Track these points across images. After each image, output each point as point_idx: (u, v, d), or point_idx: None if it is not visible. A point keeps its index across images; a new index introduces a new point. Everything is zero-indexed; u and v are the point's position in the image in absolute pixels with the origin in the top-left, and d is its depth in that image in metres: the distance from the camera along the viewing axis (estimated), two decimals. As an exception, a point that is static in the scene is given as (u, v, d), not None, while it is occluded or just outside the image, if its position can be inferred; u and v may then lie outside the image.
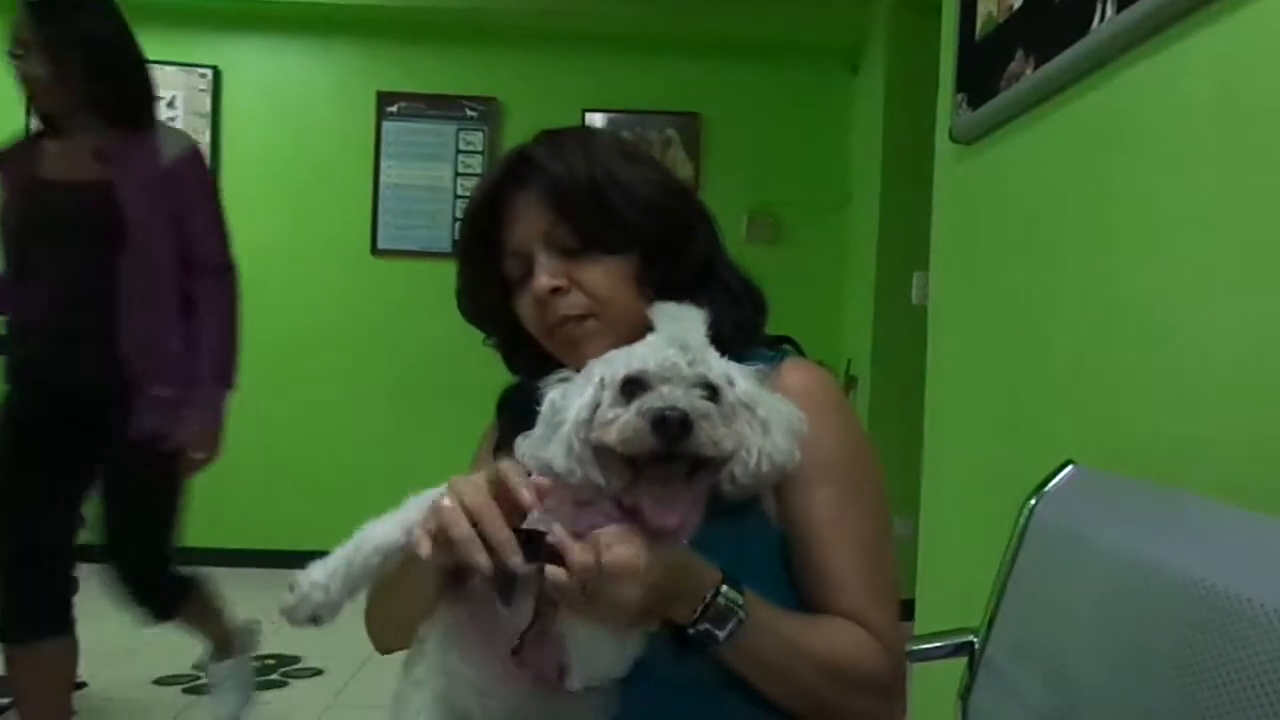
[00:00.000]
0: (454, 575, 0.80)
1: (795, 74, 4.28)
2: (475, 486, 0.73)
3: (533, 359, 0.99)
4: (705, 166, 4.24)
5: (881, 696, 0.85)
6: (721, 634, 0.76)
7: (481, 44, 4.25)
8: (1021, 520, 1.18)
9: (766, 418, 0.76)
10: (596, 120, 4.25)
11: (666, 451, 0.69)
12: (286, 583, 0.78)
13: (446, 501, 0.72)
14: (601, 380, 0.75)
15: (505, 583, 0.74)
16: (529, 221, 0.92)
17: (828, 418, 0.88)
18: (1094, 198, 1.44)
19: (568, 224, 0.91)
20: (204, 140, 4.17)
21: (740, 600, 0.77)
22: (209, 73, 4.19)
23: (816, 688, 0.81)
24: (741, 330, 0.92)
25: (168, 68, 4.14)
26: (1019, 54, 1.61)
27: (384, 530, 0.78)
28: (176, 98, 4.18)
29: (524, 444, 0.78)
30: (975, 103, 1.85)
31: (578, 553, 0.69)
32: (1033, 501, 1.18)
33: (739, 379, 0.76)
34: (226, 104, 4.23)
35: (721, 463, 0.73)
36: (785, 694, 0.82)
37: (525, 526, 0.72)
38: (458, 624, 0.80)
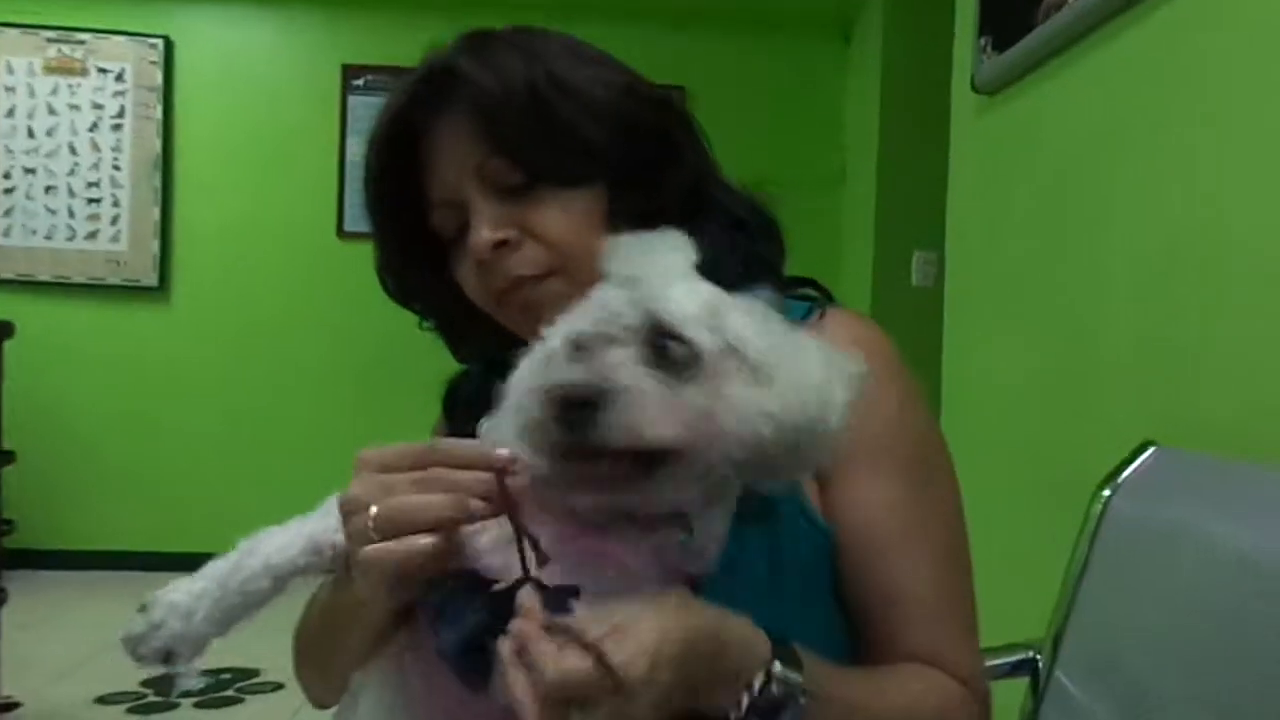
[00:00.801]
0: (401, 613, 0.60)
1: (784, 44, 4.10)
2: (399, 452, 0.55)
3: (484, 339, 0.78)
4: (690, 143, 4.05)
5: None
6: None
7: (451, 13, 4.00)
8: (1095, 514, 0.97)
9: (763, 362, 0.53)
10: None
11: (574, 443, 0.50)
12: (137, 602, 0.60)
13: (361, 487, 0.54)
14: (549, 346, 0.57)
15: (467, 669, 0.52)
16: (456, 156, 0.71)
17: (886, 387, 0.68)
18: (1153, 144, 1.24)
19: (506, 153, 0.70)
20: (155, 116, 3.93)
21: (799, 680, 0.55)
22: (159, 43, 3.95)
23: None
24: (752, 267, 0.70)
25: (115, 37, 3.94)
26: (1063, -24, 1.41)
27: (281, 542, 0.60)
28: (125, 70, 3.94)
29: (483, 428, 0.60)
30: (1003, 45, 1.66)
31: (552, 660, 0.47)
32: (1107, 491, 0.98)
33: (730, 314, 0.55)
34: (179, 77, 4.00)
35: (683, 450, 0.51)
36: None
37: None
38: (400, 676, 0.61)
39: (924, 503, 0.68)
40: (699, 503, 0.55)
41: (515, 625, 0.48)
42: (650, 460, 0.51)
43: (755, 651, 0.54)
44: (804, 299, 0.76)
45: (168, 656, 0.59)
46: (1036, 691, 1.00)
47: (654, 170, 0.72)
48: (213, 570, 0.60)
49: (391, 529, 0.52)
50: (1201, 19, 1.14)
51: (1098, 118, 1.39)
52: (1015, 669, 1.02)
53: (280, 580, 0.59)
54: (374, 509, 0.53)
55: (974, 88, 1.79)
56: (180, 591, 0.59)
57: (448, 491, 0.53)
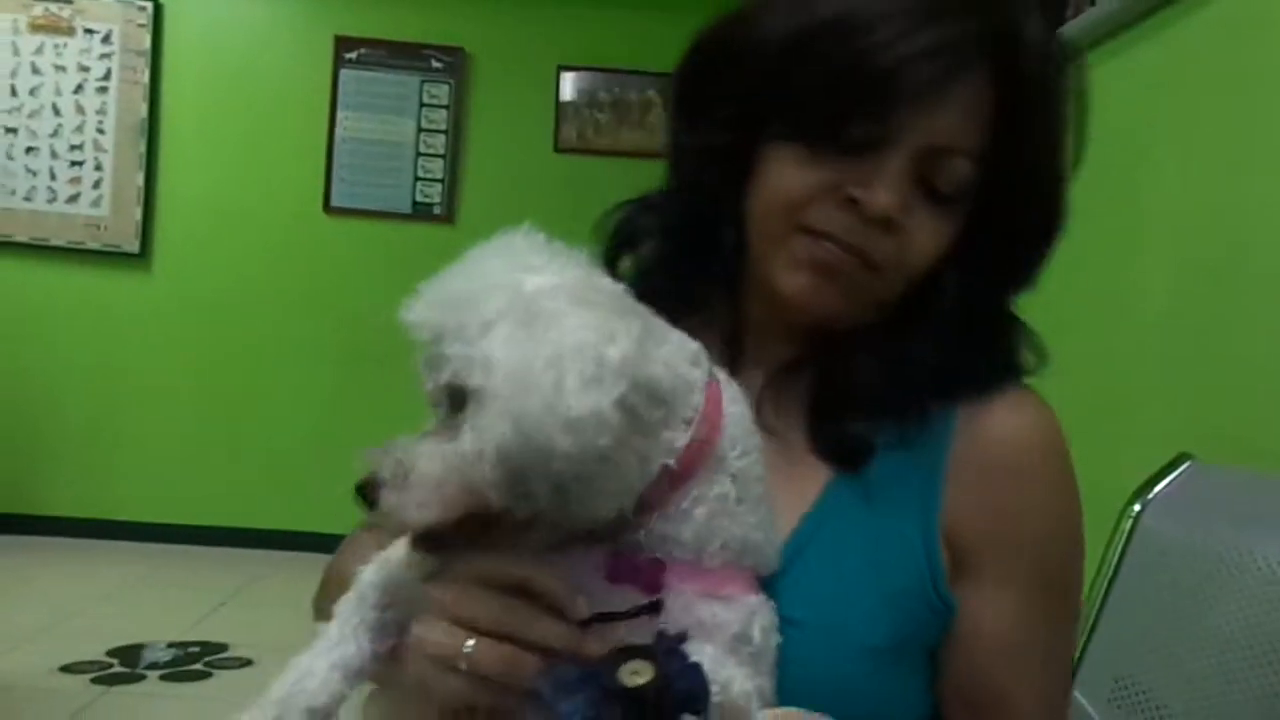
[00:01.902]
0: None
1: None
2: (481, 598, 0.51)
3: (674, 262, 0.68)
4: (688, 133, 4.01)
5: None
6: None
7: (448, -11, 3.97)
8: (1124, 530, 0.95)
9: (488, 385, 0.49)
10: (570, 79, 3.98)
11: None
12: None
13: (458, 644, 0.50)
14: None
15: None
16: (948, 119, 0.58)
17: (1046, 488, 0.64)
18: (1185, 155, 1.22)
19: (979, 146, 0.59)
20: (142, 80, 3.84)
21: None
22: (149, 6, 3.85)
23: None
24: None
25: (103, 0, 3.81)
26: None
27: (314, 686, 0.55)
28: (112, 33, 3.84)
29: None
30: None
31: None
32: (1137, 505, 0.96)
33: (499, 327, 0.50)
34: (168, 42, 3.90)
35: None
36: None
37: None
38: None
39: (1053, 621, 0.64)
40: (608, 507, 0.50)
41: None
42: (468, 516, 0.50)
43: None
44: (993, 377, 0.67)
45: None
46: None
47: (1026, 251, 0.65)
48: None
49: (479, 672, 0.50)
50: (1233, 26, 1.13)
51: (1128, 126, 1.37)
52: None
53: (325, 716, 0.55)
54: (466, 647, 0.50)
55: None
56: None
57: (529, 647, 0.50)
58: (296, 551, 3.83)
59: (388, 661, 0.55)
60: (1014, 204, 0.62)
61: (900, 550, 0.62)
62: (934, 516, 0.62)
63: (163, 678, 2.63)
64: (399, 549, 0.57)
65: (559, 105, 3.99)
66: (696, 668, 0.46)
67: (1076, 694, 0.96)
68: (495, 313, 0.49)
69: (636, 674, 0.45)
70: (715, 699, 0.47)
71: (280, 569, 3.72)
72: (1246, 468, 0.98)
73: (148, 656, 2.76)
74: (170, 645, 2.83)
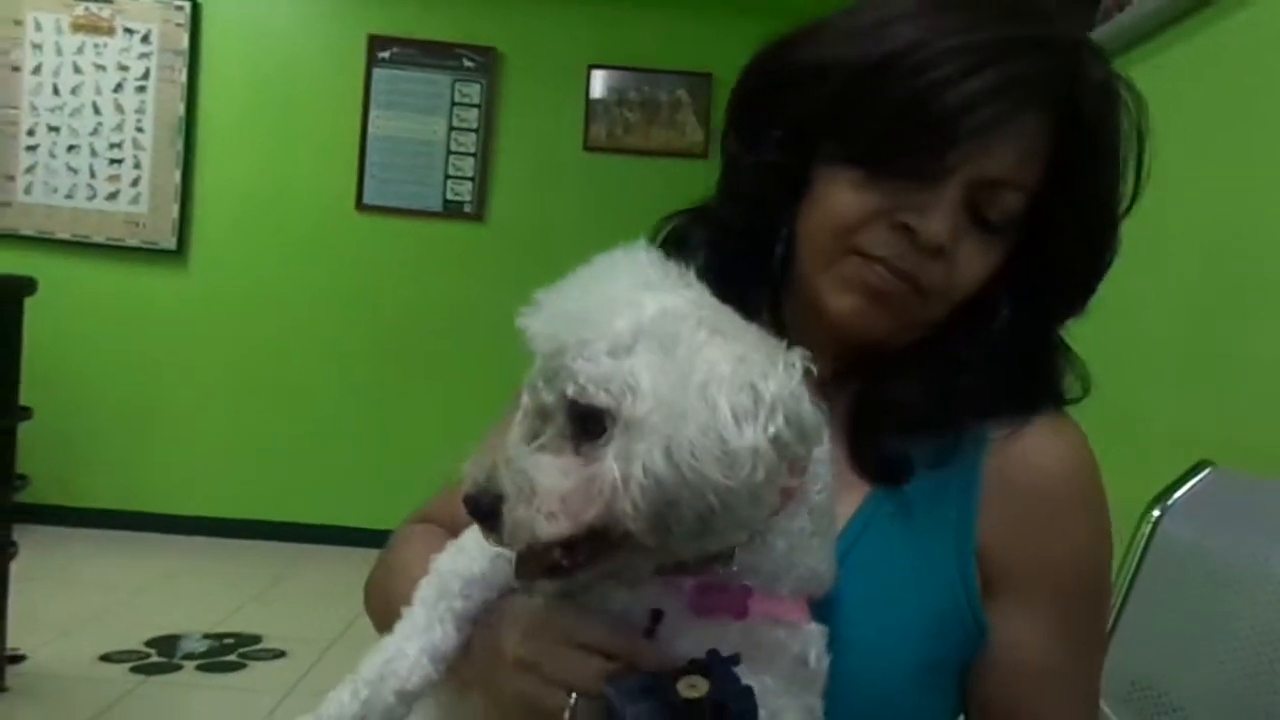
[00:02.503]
0: None
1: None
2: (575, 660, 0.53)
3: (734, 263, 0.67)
4: (717, 132, 4.01)
5: None
6: None
7: (480, -9, 4.00)
8: (1143, 534, 0.96)
9: (646, 412, 0.48)
10: (600, 78, 4.00)
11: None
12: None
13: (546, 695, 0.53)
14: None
15: None
16: (1007, 152, 0.60)
17: (1078, 516, 0.65)
18: (1202, 162, 1.21)
19: (1034, 183, 0.61)
20: (179, 79, 3.91)
21: None
22: (186, 6, 3.91)
23: None
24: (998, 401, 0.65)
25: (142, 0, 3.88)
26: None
27: (404, 668, 0.56)
28: (151, 32, 3.91)
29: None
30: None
31: None
32: (1156, 511, 0.96)
33: (640, 349, 0.50)
34: (205, 42, 3.97)
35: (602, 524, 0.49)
36: None
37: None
38: None
39: (1081, 645, 0.66)
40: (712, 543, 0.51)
41: None
42: (591, 536, 0.49)
43: None
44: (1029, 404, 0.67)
45: None
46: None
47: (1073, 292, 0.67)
48: (339, 713, 0.57)
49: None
50: (1250, 37, 1.12)
51: (1170, 118, 1.36)
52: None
53: (410, 701, 0.57)
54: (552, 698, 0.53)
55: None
56: None
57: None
58: (326, 545, 3.90)
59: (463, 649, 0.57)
60: (1066, 237, 0.63)
61: (937, 569, 0.63)
62: (969, 537, 0.63)
63: (199, 668, 2.69)
64: (471, 537, 0.58)
65: (589, 104, 4.01)
66: (749, 690, 0.48)
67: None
68: (627, 334, 0.49)
69: (694, 688, 0.47)
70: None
71: (311, 562, 3.78)
72: (1266, 476, 0.97)
73: (184, 647, 2.83)
74: (205, 636, 2.90)
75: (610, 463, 0.48)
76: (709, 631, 0.52)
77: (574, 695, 0.52)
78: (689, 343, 0.49)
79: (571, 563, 0.51)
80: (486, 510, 0.49)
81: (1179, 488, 0.96)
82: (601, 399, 0.48)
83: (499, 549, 0.54)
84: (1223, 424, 1.17)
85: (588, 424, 0.49)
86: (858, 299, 0.61)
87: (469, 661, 0.57)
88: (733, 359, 0.49)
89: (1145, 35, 1.35)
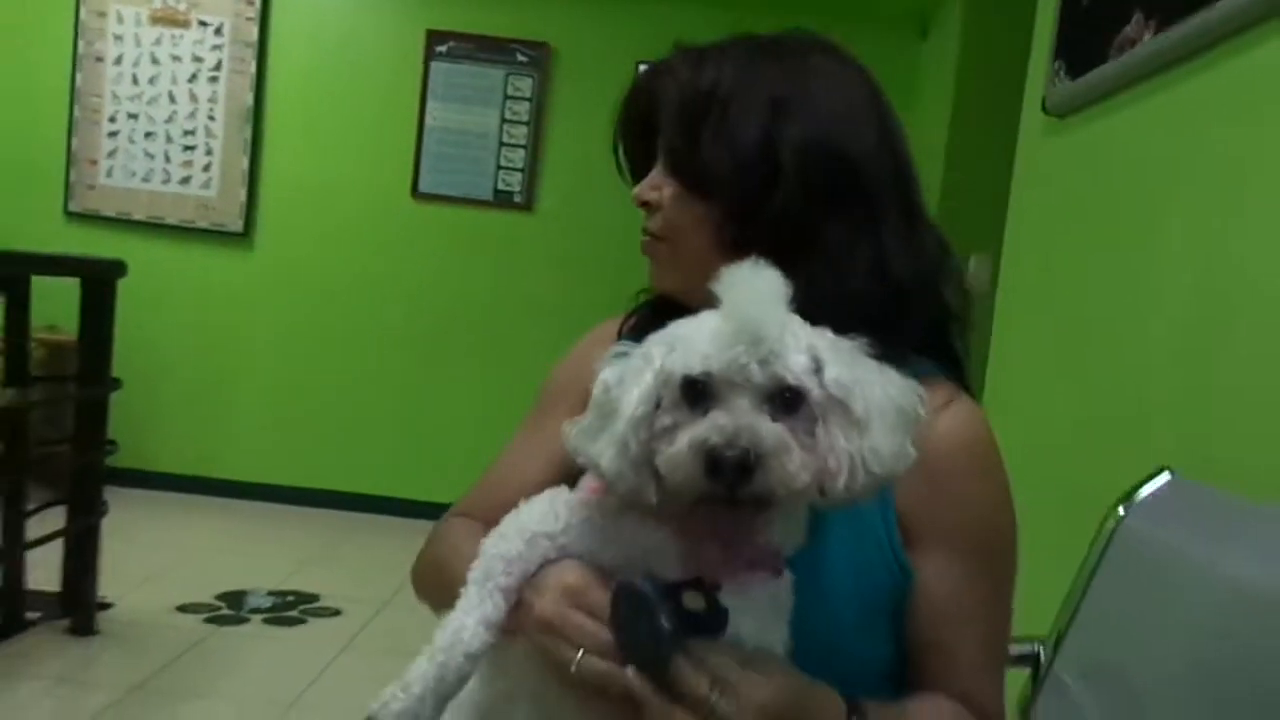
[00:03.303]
0: None
1: (860, 35, 4.03)
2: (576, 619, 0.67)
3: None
4: (759, 127, 4.11)
5: None
6: None
7: (532, -13, 4.12)
8: (1107, 529, 1.10)
9: (865, 411, 0.62)
10: (649, 73, 4.13)
11: (726, 496, 0.59)
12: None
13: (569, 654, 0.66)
14: (660, 370, 0.64)
15: (650, 665, 0.64)
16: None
17: (978, 478, 0.79)
18: (1216, 183, 1.33)
19: (673, 141, 0.83)
20: (249, 70, 4.11)
21: None
22: (257, 0, 4.10)
23: None
24: (843, 326, 0.72)
25: (216, -7, 4.08)
26: (1136, 17, 1.49)
27: (469, 635, 0.69)
28: (224, 25, 4.11)
29: (572, 432, 0.68)
30: (1076, 71, 1.73)
31: (693, 684, 0.61)
32: (1121, 510, 1.10)
33: (830, 362, 0.63)
34: (274, 34, 4.15)
35: (804, 490, 0.61)
36: None
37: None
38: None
39: (982, 582, 0.79)
40: (799, 524, 0.68)
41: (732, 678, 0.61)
42: (769, 502, 0.61)
43: (836, 710, 0.68)
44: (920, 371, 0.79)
45: None
46: (1036, 681, 1.14)
47: (758, 206, 0.79)
48: (422, 675, 0.67)
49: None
50: (1264, 74, 1.23)
51: (1158, 154, 1.47)
52: (1018, 660, 1.15)
53: (476, 659, 0.69)
54: (575, 657, 0.66)
55: (1045, 109, 1.86)
56: (400, 701, 0.66)
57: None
58: (376, 514, 4.12)
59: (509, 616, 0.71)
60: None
61: (866, 529, 0.78)
62: (890, 501, 0.78)
63: (264, 621, 2.91)
64: (509, 524, 0.73)
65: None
66: (727, 611, 0.64)
67: (1057, 668, 1.12)
68: (810, 341, 0.63)
69: (695, 601, 0.63)
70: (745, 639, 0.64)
71: (363, 530, 4.00)
72: (1217, 486, 1.11)
73: (250, 602, 3.06)
74: (269, 593, 3.12)
75: (842, 441, 0.61)
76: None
77: (580, 651, 0.65)
78: (867, 366, 0.65)
79: (741, 517, 0.63)
80: (736, 466, 0.58)
81: (1140, 490, 1.10)
82: (807, 384, 0.61)
83: (537, 529, 0.70)
84: (1200, 436, 1.30)
85: (790, 402, 0.61)
86: (651, 267, 0.89)
87: (512, 619, 0.71)
88: (898, 384, 0.65)
89: (1158, 69, 1.46)
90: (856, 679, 0.73)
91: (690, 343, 0.63)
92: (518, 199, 4.18)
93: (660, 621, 0.61)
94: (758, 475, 0.58)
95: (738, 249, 0.74)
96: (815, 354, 0.63)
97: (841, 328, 0.68)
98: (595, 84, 4.15)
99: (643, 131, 0.88)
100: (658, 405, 0.63)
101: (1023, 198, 2.01)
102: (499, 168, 4.17)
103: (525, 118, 4.15)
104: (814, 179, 0.79)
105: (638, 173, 0.89)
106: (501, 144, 4.16)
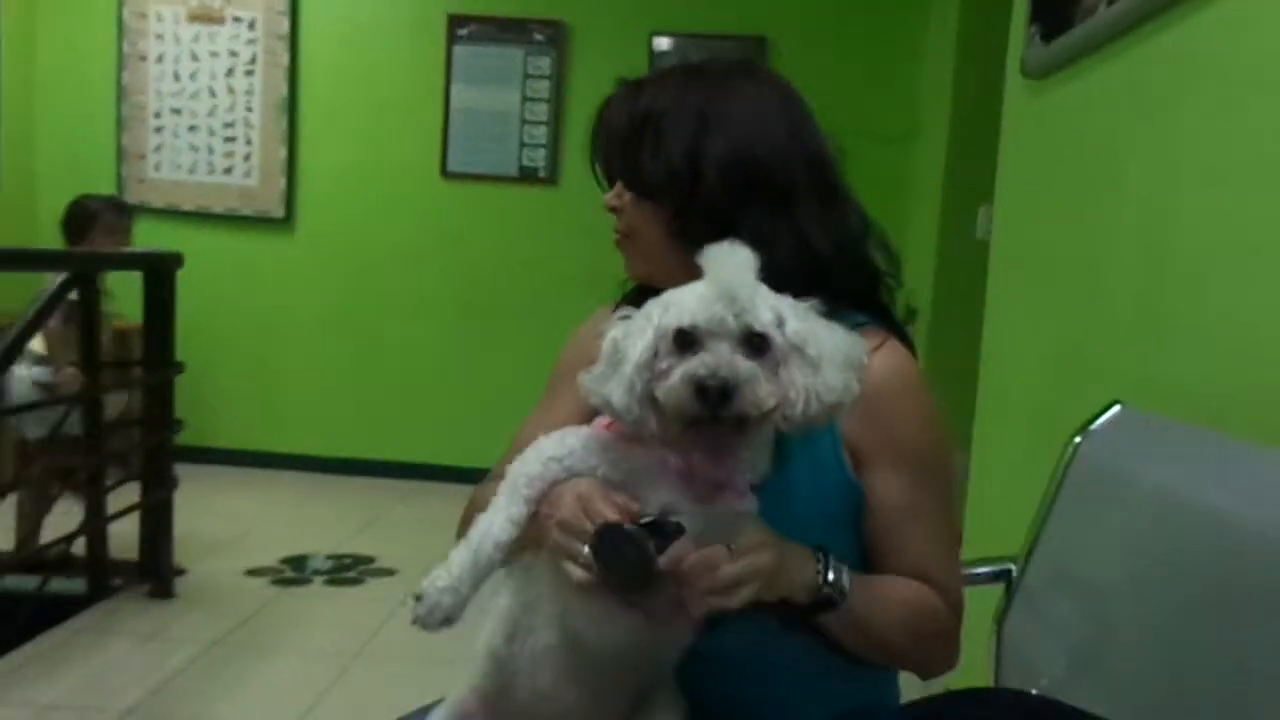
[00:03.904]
0: None
1: (867, 6, 4.21)
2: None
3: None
4: (773, 93, 4.20)
5: (945, 645, 0.95)
6: (830, 615, 0.85)
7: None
8: (1066, 456, 1.24)
9: (818, 355, 0.78)
10: (662, 44, 4.23)
11: (712, 416, 0.74)
12: (411, 594, 0.82)
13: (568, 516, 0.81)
14: (657, 326, 0.79)
15: (630, 585, 0.78)
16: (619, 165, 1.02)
17: (905, 405, 0.94)
18: (1159, 141, 1.45)
19: (622, 157, 0.99)
20: (283, 62, 4.28)
21: (846, 587, 0.85)
22: (287, -6, 4.26)
23: (897, 642, 0.92)
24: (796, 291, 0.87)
25: (248, -11, 4.25)
26: (1094, -14, 1.59)
27: (497, 529, 0.83)
28: (256, 20, 4.28)
29: (587, 379, 0.82)
30: (1049, 36, 1.83)
31: (699, 564, 0.76)
32: (1078, 439, 1.24)
33: (790, 318, 0.79)
34: (304, 27, 4.31)
35: (770, 414, 0.76)
36: (867, 645, 0.91)
37: (649, 517, 0.78)
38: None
39: (924, 489, 0.94)
40: (764, 451, 0.82)
41: (683, 553, 0.76)
42: (745, 423, 0.76)
43: (808, 564, 0.84)
44: (860, 323, 0.94)
45: (448, 621, 0.80)
46: (1009, 593, 1.29)
47: (698, 209, 0.95)
48: (459, 558, 0.80)
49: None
50: (1210, 38, 1.34)
51: (1122, 112, 1.59)
52: (995, 577, 1.31)
53: (505, 550, 0.82)
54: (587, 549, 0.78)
55: (1023, 71, 1.97)
56: (443, 579, 0.79)
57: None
58: (423, 481, 4.33)
59: (530, 523, 0.85)
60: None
61: (820, 455, 0.92)
62: (837, 434, 0.92)
63: (325, 582, 3.13)
64: (530, 450, 0.87)
65: (652, 69, 4.23)
66: (680, 525, 0.78)
67: (1027, 578, 1.27)
68: (775, 302, 0.78)
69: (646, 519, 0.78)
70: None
71: (411, 495, 4.22)
72: (1166, 415, 1.24)
73: (312, 565, 3.29)
74: (329, 557, 3.34)
75: (799, 377, 0.77)
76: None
77: (587, 547, 0.79)
78: (819, 321, 0.80)
79: (725, 436, 0.77)
80: (728, 391, 0.73)
81: (1095, 421, 1.24)
82: (772, 333, 0.77)
83: (559, 451, 0.85)
84: (1154, 370, 1.43)
85: (760, 346, 0.76)
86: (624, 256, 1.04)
87: (535, 524, 0.84)
88: (845, 335, 0.81)
89: (1120, 33, 1.55)
90: None
91: (681, 303, 0.79)
92: (542, 174, 4.32)
93: (647, 547, 0.76)
94: (735, 398, 0.73)
95: (683, 240, 0.92)
96: (778, 311, 0.79)
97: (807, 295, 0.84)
98: (611, 58, 4.26)
99: (605, 152, 1.04)
100: (656, 353, 0.78)
101: (1009, 154, 2.13)
102: (523, 145, 4.31)
103: (545, 95, 4.28)
104: (731, 179, 0.94)
105: (610, 183, 1.05)
106: (524, 121, 4.30)
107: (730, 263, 0.79)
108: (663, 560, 0.75)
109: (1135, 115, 1.53)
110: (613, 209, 1.02)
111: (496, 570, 0.82)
